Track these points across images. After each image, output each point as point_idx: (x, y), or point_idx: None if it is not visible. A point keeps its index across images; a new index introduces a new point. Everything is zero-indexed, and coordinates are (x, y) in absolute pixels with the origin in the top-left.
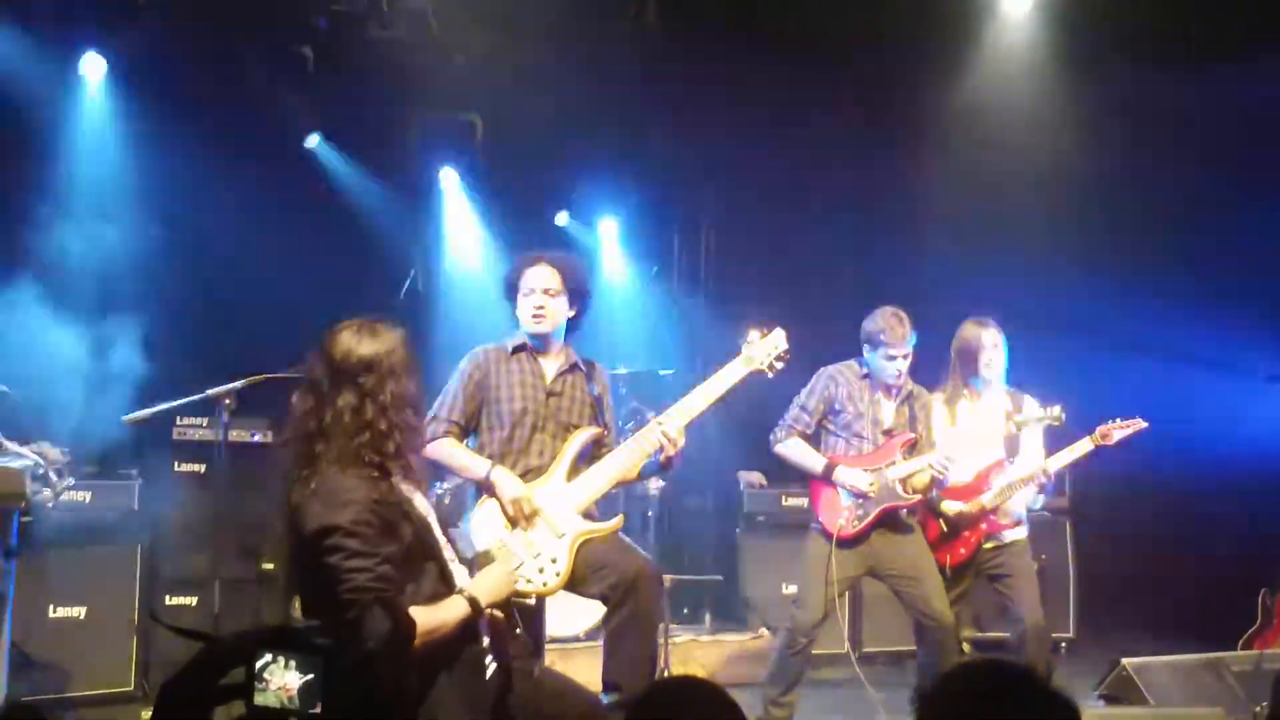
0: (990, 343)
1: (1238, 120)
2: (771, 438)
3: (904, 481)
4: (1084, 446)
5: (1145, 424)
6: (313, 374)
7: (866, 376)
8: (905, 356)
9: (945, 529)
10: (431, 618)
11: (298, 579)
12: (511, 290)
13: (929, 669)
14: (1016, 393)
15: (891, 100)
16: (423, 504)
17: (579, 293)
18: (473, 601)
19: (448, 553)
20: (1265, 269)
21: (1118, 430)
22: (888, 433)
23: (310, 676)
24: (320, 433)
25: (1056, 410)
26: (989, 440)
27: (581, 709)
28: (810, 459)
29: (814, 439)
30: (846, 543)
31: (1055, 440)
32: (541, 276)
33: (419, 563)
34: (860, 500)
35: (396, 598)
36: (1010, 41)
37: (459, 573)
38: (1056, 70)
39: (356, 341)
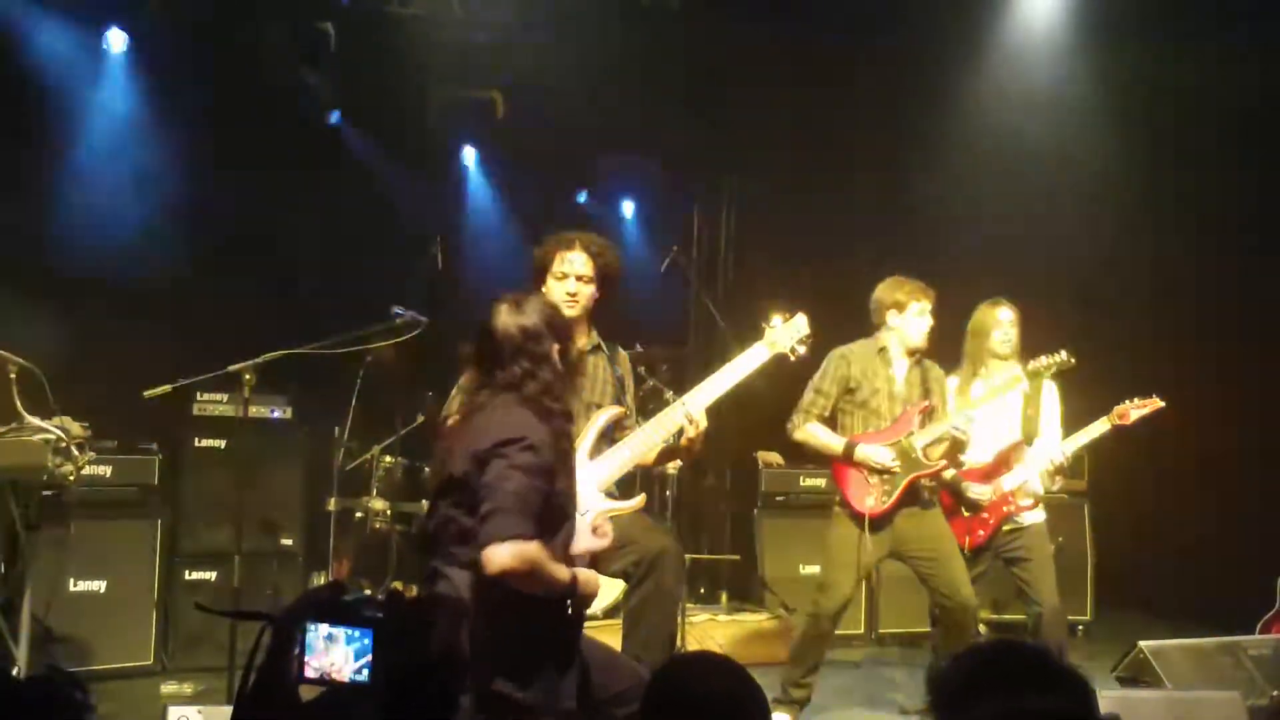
0: (1004, 320)
1: (1263, 100)
2: (789, 425)
3: (926, 450)
4: (1101, 427)
5: (1162, 403)
6: (478, 345)
7: (881, 350)
8: (933, 313)
9: (964, 511)
10: (544, 560)
11: (453, 489)
12: (542, 270)
13: (945, 650)
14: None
15: (915, 81)
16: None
17: (609, 279)
18: (573, 579)
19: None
20: None
21: (1135, 409)
22: (904, 404)
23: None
24: (500, 381)
25: (1064, 354)
26: (1008, 421)
27: (629, 679)
28: (830, 442)
29: (829, 420)
30: (873, 523)
31: (1073, 422)
32: (577, 261)
33: (557, 519)
34: (886, 475)
35: (527, 517)
36: (1035, 20)
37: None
38: (1081, 49)
39: (513, 315)
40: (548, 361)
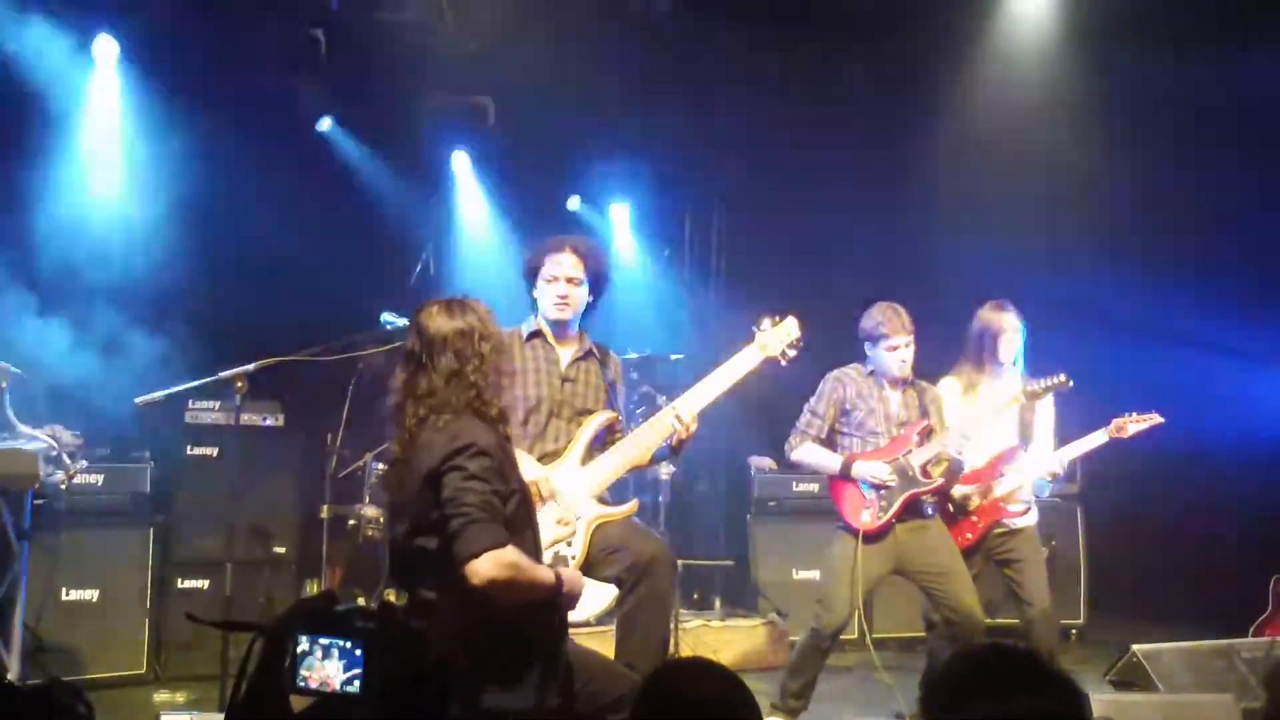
0: (1010, 325)
1: (1253, 105)
2: (786, 447)
3: (924, 467)
4: (1098, 438)
5: (1161, 419)
6: (410, 349)
7: (872, 374)
8: (908, 345)
9: (953, 510)
10: (525, 564)
11: (410, 514)
12: (533, 274)
13: (939, 657)
14: (1029, 379)
15: (906, 82)
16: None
17: (599, 280)
18: (558, 578)
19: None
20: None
21: (1133, 424)
22: (901, 424)
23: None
24: (428, 394)
25: (1063, 376)
26: (1004, 425)
27: (621, 686)
28: (827, 460)
29: (828, 444)
30: (872, 538)
31: (1069, 425)
32: (566, 263)
33: (520, 523)
34: (883, 491)
35: (498, 524)
36: (1025, 21)
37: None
38: (1072, 52)
39: (447, 317)
40: (479, 363)
